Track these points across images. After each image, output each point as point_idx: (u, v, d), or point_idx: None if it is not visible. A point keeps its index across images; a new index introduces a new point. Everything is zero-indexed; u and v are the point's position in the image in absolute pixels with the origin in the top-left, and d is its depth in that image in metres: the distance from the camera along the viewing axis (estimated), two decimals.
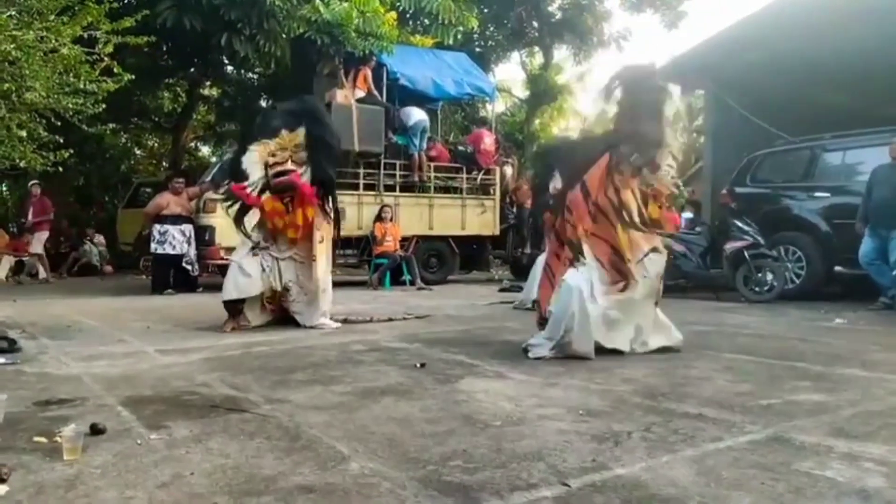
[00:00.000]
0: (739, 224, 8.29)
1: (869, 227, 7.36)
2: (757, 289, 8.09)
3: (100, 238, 14.75)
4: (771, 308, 7.40)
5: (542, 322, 4.71)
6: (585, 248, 4.55)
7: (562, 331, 4.38)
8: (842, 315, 6.62)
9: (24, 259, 12.82)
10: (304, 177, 5.92)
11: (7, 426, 2.86)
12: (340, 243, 11.09)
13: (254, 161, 5.93)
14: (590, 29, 19.05)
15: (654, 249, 4.59)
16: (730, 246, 8.25)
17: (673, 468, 2.37)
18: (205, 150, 23.23)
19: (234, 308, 5.90)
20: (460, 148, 12.57)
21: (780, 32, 9.92)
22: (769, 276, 8.07)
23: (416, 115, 11.54)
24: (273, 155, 5.91)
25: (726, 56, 10.93)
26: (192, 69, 15.54)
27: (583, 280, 4.45)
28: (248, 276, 5.86)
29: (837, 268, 8.57)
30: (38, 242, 12.29)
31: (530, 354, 4.48)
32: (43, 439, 2.67)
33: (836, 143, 8.59)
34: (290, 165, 5.89)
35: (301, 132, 5.96)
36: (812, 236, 8.35)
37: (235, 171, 6.06)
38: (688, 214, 13.74)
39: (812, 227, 8.38)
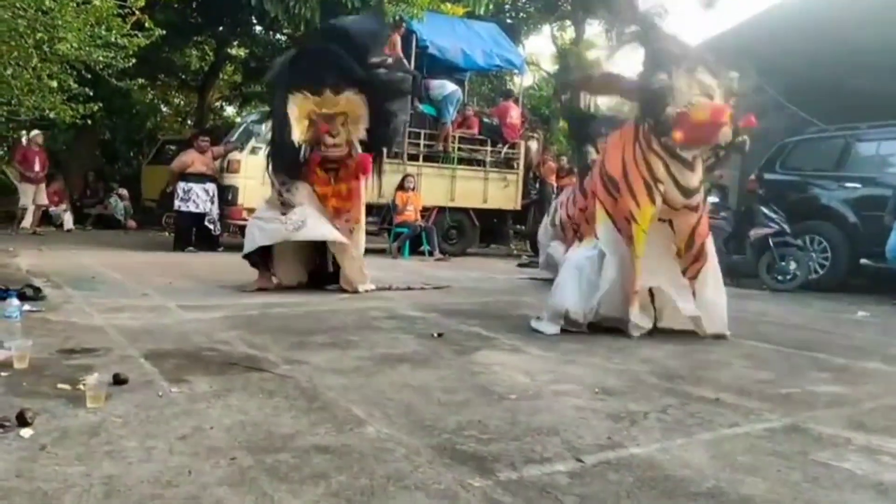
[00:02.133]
0: (766, 211, 8.16)
1: None
2: (780, 277, 7.99)
3: (124, 192, 14.88)
4: (793, 297, 7.32)
5: None
6: (601, 226, 4.51)
7: (565, 306, 4.41)
8: (865, 308, 6.53)
9: (50, 210, 12.97)
10: (353, 150, 5.86)
11: (32, 372, 2.92)
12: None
13: (295, 115, 5.72)
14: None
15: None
16: (755, 232, 8.13)
17: (688, 450, 2.37)
18: (230, 110, 23.25)
19: (261, 266, 5.89)
20: (486, 120, 12.45)
21: (820, 17, 9.66)
22: (793, 265, 7.96)
23: (450, 85, 11.44)
24: (316, 114, 5.71)
25: (763, 39, 10.65)
26: (221, 28, 15.47)
27: (585, 257, 4.50)
28: (265, 229, 5.69)
29: (863, 260, 8.42)
30: (43, 194, 12.26)
31: (532, 324, 4.56)
32: (67, 386, 2.72)
33: (872, 132, 8.40)
34: (344, 146, 5.81)
35: (349, 96, 5.74)
36: (839, 227, 8.20)
37: (281, 125, 5.73)
38: (713, 198, 13.56)
39: (840, 217, 8.22)
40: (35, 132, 11.92)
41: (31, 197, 11.86)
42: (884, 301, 7.15)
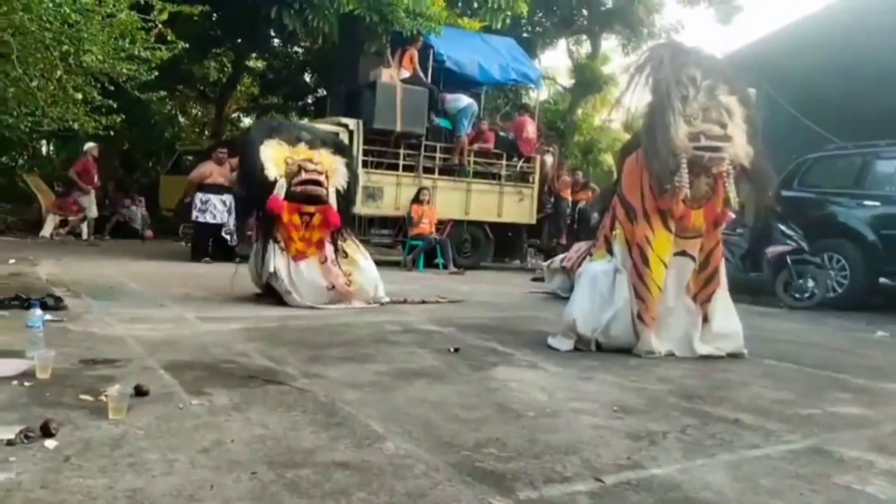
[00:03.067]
0: (783, 228, 8.12)
1: None
2: (797, 295, 7.93)
3: (141, 201, 15.02)
4: (810, 316, 7.26)
5: None
6: (617, 248, 4.49)
7: (573, 317, 4.41)
8: (884, 328, 6.46)
9: (69, 218, 13.11)
10: (331, 194, 5.86)
11: (54, 382, 2.95)
12: (377, 223, 11.18)
13: (271, 157, 5.74)
14: (641, 20, 18.72)
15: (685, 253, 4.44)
16: (772, 250, 8.08)
17: (709, 472, 2.35)
18: (247, 122, 23.44)
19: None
20: (502, 134, 12.49)
21: (839, 34, 9.63)
22: (810, 283, 7.90)
23: (465, 99, 11.51)
24: (293, 160, 5.74)
25: (782, 55, 10.65)
26: (240, 40, 15.67)
27: (601, 270, 4.50)
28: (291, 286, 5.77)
29: (882, 279, 8.34)
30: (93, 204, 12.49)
31: (549, 341, 4.55)
32: (89, 397, 2.75)
33: (891, 150, 8.33)
34: (323, 178, 5.78)
35: (322, 154, 5.91)
36: (858, 245, 8.13)
37: (252, 164, 5.77)
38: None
39: (859, 235, 8.16)
40: (91, 144, 12.21)
41: (94, 207, 12.22)
42: None
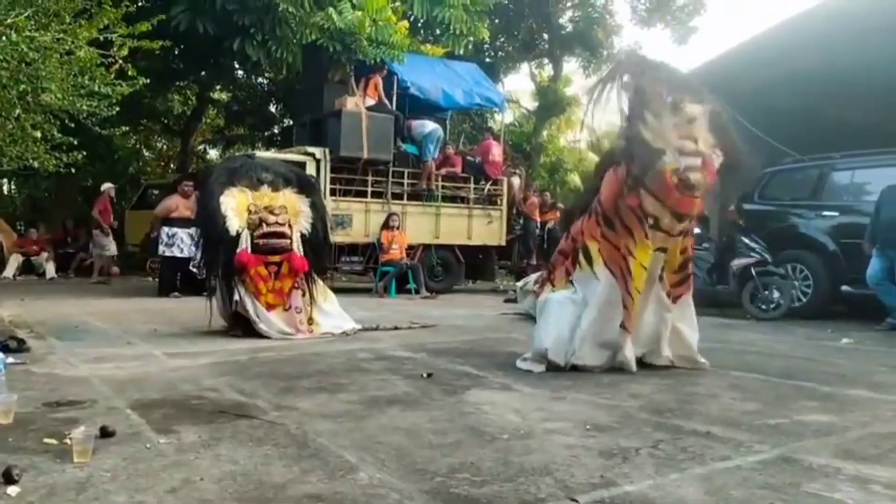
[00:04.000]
0: (747, 241, 8.28)
1: (877, 248, 7.34)
2: (763, 306, 8.07)
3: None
4: (777, 326, 7.38)
5: None
6: (598, 256, 4.52)
7: (544, 346, 4.42)
8: (848, 335, 6.60)
9: (31, 258, 12.88)
10: (295, 241, 5.73)
11: (17, 427, 2.88)
12: (347, 250, 11.14)
13: (232, 207, 5.61)
14: (600, 42, 19.10)
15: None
16: (737, 262, 8.23)
17: (681, 486, 2.37)
18: (213, 154, 23.32)
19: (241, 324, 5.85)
20: (469, 158, 12.60)
21: (792, 50, 9.92)
22: (776, 294, 8.05)
23: (430, 124, 11.61)
24: (256, 208, 5.62)
25: (737, 72, 10.92)
26: (203, 73, 15.62)
27: (566, 297, 4.53)
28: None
29: (844, 287, 8.53)
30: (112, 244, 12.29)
31: (518, 363, 4.55)
32: (53, 441, 2.68)
33: (846, 162, 8.58)
34: (286, 229, 5.65)
35: (286, 195, 5.79)
36: (819, 255, 8.33)
37: (212, 216, 5.62)
38: (695, 230, 13.72)
39: (819, 245, 8.36)
40: (108, 185, 12.26)
41: (113, 246, 12.17)
42: (866, 328, 7.23)
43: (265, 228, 5.60)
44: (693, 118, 4.28)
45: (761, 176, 9.30)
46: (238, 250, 5.57)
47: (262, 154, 11.36)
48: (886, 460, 2.71)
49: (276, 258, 5.65)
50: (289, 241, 5.69)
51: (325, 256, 6.19)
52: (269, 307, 5.67)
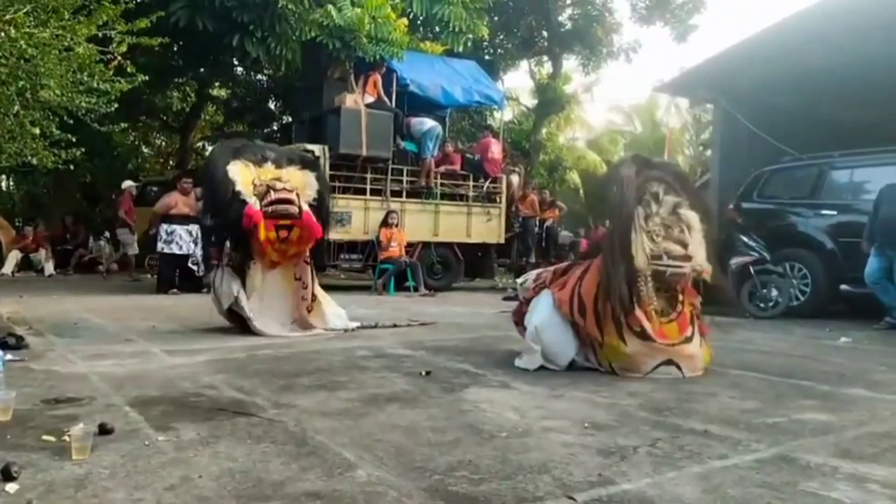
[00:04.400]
0: (745, 239, 8.29)
1: (875, 247, 7.34)
2: (762, 305, 8.08)
3: (106, 235, 14.81)
4: (775, 325, 7.39)
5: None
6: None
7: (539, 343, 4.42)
8: (847, 334, 6.60)
9: (30, 255, 12.88)
10: (303, 206, 5.70)
11: (16, 424, 2.88)
12: (346, 247, 11.15)
13: (238, 177, 5.57)
14: (599, 40, 19.07)
15: None
16: (735, 261, 8.23)
17: (679, 485, 2.37)
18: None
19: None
20: (468, 156, 12.61)
21: (792, 48, 9.91)
22: (774, 293, 8.06)
23: (429, 121, 11.62)
24: (260, 181, 5.60)
25: (737, 70, 10.92)
26: (203, 69, 15.60)
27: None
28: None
29: (843, 286, 8.54)
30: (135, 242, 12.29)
31: (516, 363, 4.53)
32: (51, 438, 2.68)
33: (844, 160, 8.58)
34: (293, 196, 5.63)
35: (290, 171, 5.79)
36: (818, 254, 8.33)
37: (220, 184, 5.57)
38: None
39: (818, 244, 8.36)
40: (129, 183, 12.29)
41: (136, 244, 12.16)
42: (864, 326, 7.24)
43: (273, 196, 5.58)
44: (687, 222, 4.29)
45: (759, 175, 9.32)
46: (251, 205, 5.52)
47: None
48: (884, 459, 2.71)
49: (288, 221, 5.62)
50: (297, 208, 5.65)
51: (326, 231, 6.14)
52: (272, 265, 5.70)
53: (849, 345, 6.15)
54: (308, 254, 5.92)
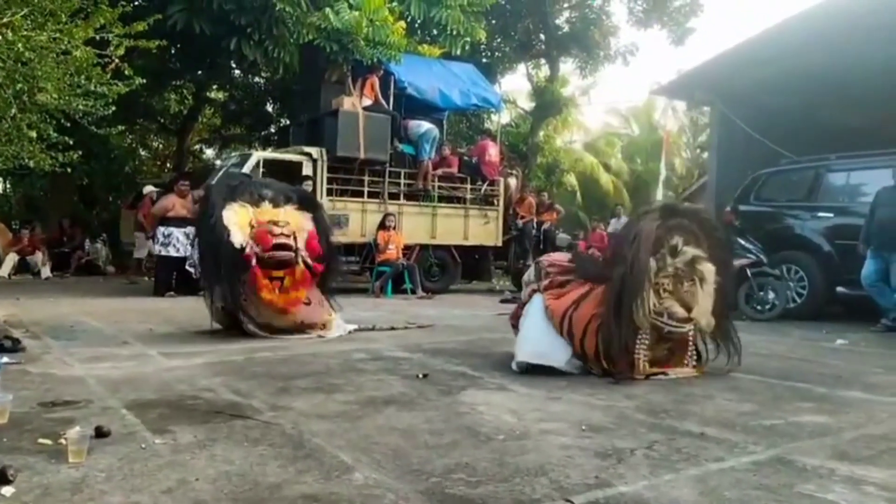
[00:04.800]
0: (742, 242, 8.30)
1: (872, 249, 7.36)
2: (759, 307, 8.09)
3: (102, 237, 14.80)
4: (772, 327, 7.40)
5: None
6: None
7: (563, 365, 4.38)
8: (844, 336, 6.61)
9: (27, 258, 12.85)
10: (300, 253, 5.60)
11: (12, 427, 2.87)
12: (343, 250, 11.14)
13: (234, 221, 5.44)
14: (596, 43, 19.11)
15: None
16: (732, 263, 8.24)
17: (675, 487, 2.37)
18: (209, 153, 23.31)
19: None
20: (465, 158, 12.62)
21: (787, 51, 9.95)
22: (771, 295, 8.07)
23: (425, 124, 11.64)
24: (258, 223, 5.49)
25: (734, 73, 10.97)
26: (200, 72, 15.61)
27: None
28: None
29: (839, 288, 8.56)
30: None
31: (513, 366, 4.47)
32: (48, 441, 2.68)
33: (841, 163, 8.61)
34: (291, 241, 5.53)
35: (287, 212, 5.66)
36: (814, 256, 8.36)
37: (215, 232, 5.40)
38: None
39: (815, 246, 8.39)
40: (151, 188, 12.16)
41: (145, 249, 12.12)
42: (861, 329, 7.25)
43: (271, 240, 5.48)
44: (701, 275, 4.21)
45: (756, 177, 9.35)
46: (248, 251, 5.43)
47: (264, 153, 11.37)
48: (880, 461, 2.72)
49: (280, 273, 5.53)
50: (293, 254, 5.57)
51: (331, 272, 5.95)
52: (278, 310, 5.60)
53: (845, 347, 6.16)
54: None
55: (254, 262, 5.43)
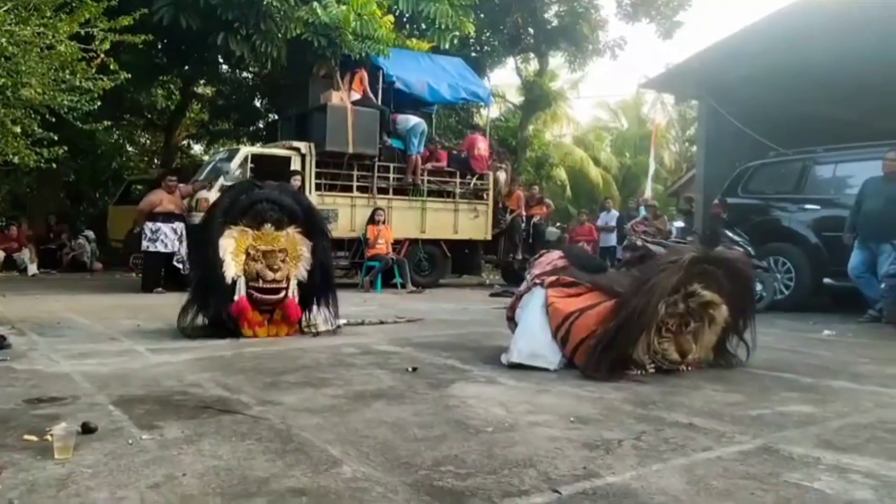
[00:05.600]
0: (730, 234, 8.34)
1: (858, 240, 7.42)
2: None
3: (90, 234, 14.69)
4: (760, 318, 7.33)
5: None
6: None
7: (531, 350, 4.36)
8: (830, 327, 6.67)
9: (13, 255, 12.75)
10: (291, 289, 5.52)
11: None
12: (333, 245, 11.11)
13: (231, 250, 5.32)
14: (585, 37, 19.10)
15: None
16: None
17: (663, 477, 2.39)
18: (197, 149, 23.16)
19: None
20: (454, 153, 12.61)
21: (775, 45, 10.00)
22: (759, 287, 8.09)
23: (413, 118, 11.62)
24: (255, 252, 5.36)
25: (722, 67, 11.00)
26: (187, 67, 15.49)
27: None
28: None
29: (826, 280, 8.62)
30: None
31: (502, 359, 4.46)
32: (33, 437, 2.66)
33: (828, 156, 8.66)
34: (283, 284, 5.45)
35: (289, 235, 5.50)
36: (802, 248, 8.41)
37: (209, 258, 5.32)
38: (679, 223, 13.83)
39: (802, 238, 8.44)
40: (204, 193, 11.83)
41: None
42: (848, 319, 7.31)
43: (261, 284, 5.40)
44: (711, 318, 4.27)
45: (744, 170, 9.39)
46: (236, 297, 5.33)
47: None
48: (866, 450, 2.74)
49: (269, 307, 5.50)
50: (283, 293, 5.50)
51: (324, 299, 5.73)
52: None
53: (832, 338, 6.21)
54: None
55: (243, 294, 5.34)
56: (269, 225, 5.50)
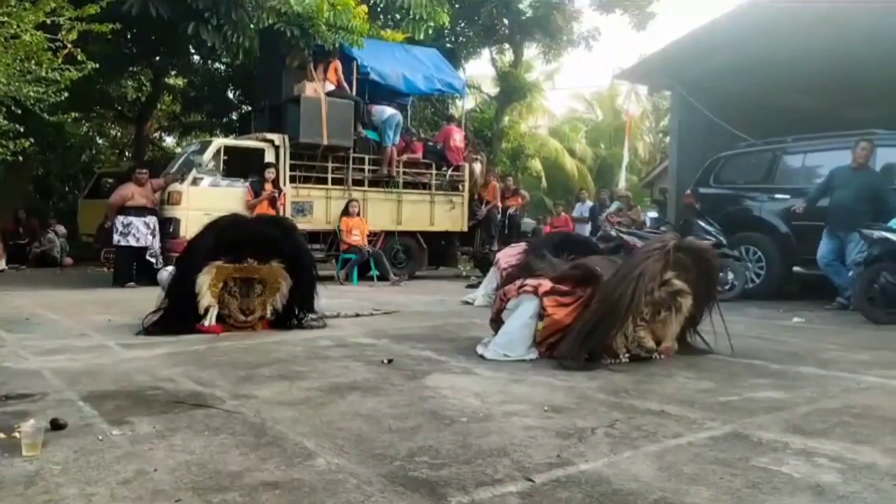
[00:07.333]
0: (702, 224, 8.43)
1: (826, 230, 7.54)
2: (719, 288, 8.22)
3: (60, 229, 14.43)
4: (732, 307, 7.49)
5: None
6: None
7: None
8: (800, 314, 6.79)
9: None
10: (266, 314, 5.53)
11: None
12: (308, 237, 11.04)
13: (208, 283, 5.23)
14: (559, 28, 19.12)
15: None
16: None
17: (635, 463, 2.42)
18: (169, 141, 22.83)
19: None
20: (430, 144, 12.58)
21: (746, 36, 10.10)
22: (731, 276, 8.22)
23: (388, 110, 11.56)
24: (232, 286, 5.33)
25: (693, 58, 11.10)
26: (158, 58, 15.24)
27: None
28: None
29: (796, 268, 8.77)
30: None
31: (478, 350, 4.48)
32: (1, 435, 2.61)
33: (797, 145, 8.79)
34: (255, 320, 5.44)
35: (272, 267, 5.39)
36: (772, 237, 8.53)
37: (186, 288, 5.25)
38: (652, 214, 13.96)
39: (772, 227, 8.56)
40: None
41: None
42: (816, 307, 7.44)
43: (232, 321, 5.38)
44: (679, 306, 4.37)
45: (716, 160, 9.50)
46: (206, 322, 5.29)
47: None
48: (832, 434, 2.80)
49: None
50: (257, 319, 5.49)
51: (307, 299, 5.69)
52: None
53: (801, 325, 6.32)
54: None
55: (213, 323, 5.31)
56: (251, 260, 5.38)
